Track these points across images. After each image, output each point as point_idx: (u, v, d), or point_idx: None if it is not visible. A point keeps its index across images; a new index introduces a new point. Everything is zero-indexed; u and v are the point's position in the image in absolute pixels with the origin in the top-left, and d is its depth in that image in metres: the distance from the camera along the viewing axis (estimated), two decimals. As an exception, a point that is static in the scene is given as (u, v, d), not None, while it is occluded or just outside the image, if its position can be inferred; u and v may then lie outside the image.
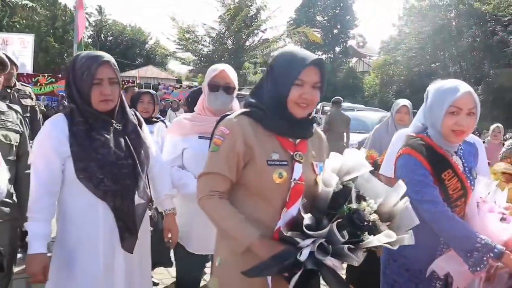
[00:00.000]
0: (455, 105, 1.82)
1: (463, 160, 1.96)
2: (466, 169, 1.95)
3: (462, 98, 1.81)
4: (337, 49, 41.46)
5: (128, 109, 2.06)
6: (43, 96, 15.61)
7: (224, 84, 2.26)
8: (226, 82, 2.26)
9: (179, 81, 35.95)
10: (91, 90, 1.86)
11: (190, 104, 2.85)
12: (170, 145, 2.38)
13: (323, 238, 1.46)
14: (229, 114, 1.73)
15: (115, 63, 1.95)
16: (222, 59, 22.88)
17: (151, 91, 3.59)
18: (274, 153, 1.61)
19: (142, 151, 2.01)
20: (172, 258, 2.71)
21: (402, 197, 1.58)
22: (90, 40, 37.51)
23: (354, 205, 1.49)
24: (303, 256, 1.46)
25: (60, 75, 18.36)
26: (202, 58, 23.66)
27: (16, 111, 2.46)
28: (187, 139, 2.31)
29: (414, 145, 1.91)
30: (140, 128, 2.09)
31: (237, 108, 2.37)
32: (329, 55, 40.61)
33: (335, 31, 40.88)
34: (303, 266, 1.46)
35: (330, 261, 1.45)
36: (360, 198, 1.54)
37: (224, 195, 1.63)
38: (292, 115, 1.63)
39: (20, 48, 15.53)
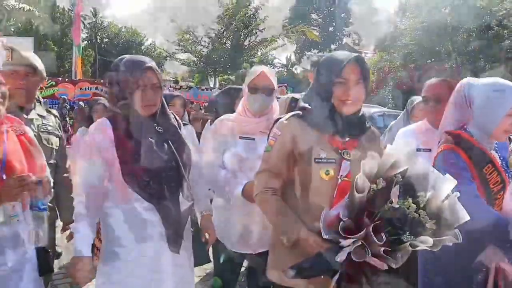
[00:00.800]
0: None
1: (499, 154, 2.01)
2: (503, 162, 2.00)
3: None
4: (333, 47, 41.42)
5: (168, 112, 2.09)
6: (45, 100, 15.56)
7: (262, 86, 2.31)
8: (266, 84, 2.31)
9: (176, 82, 35.81)
10: (134, 95, 1.88)
11: (219, 105, 2.89)
12: (211, 145, 2.43)
13: (362, 240, 1.49)
14: (281, 117, 1.82)
15: (157, 68, 1.99)
16: (221, 59, 22.97)
17: (181, 94, 3.60)
18: (322, 152, 1.69)
19: (184, 153, 2.04)
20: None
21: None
22: (86, 42, 37.25)
23: (396, 204, 1.48)
24: (340, 258, 1.51)
25: (60, 78, 18.30)
26: (202, 59, 23.67)
27: (55, 115, 2.52)
28: (228, 139, 2.36)
29: (454, 141, 1.96)
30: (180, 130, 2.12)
31: (276, 108, 2.43)
32: (325, 53, 40.45)
33: (330, 29, 40.94)
34: (340, 267, 1.51)
35: (371, 260, 1.48)
36: (407, 193, 1.53)
37: (277, 191, 1.74)
38: (339, 114, 1.72)
39: (20, 52, 15.42)
